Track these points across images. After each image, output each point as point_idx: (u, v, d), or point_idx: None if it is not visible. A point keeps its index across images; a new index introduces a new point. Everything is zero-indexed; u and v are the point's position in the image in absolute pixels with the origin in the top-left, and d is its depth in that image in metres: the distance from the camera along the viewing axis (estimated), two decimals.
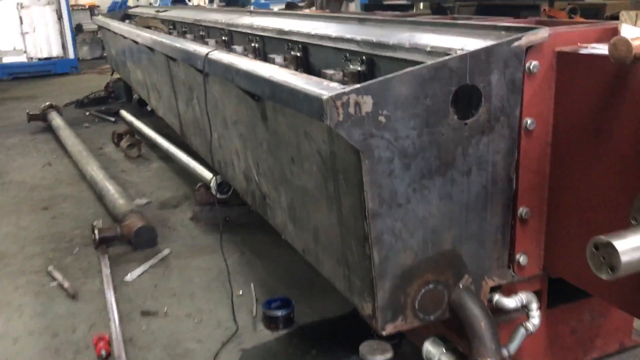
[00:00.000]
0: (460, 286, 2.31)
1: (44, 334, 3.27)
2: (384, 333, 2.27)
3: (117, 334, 3.13)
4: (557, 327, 2.68)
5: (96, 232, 4.20)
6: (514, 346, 2.34)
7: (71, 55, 13.97)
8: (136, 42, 6.02)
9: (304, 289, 3.61)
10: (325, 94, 1.92)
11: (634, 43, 1.91)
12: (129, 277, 3.86)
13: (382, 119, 1.99)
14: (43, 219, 4.94)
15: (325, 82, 2.23)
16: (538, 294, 2.55)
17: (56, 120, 7.85)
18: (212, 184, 4.50)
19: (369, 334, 2.96)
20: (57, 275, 3.88)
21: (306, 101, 2.09)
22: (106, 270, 3.86)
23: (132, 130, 7.26)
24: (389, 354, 2.90)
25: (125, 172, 6.13)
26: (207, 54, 3.34)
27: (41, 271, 4.00)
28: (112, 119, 8.58)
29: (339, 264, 2.51)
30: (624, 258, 1.55)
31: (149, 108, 8.56)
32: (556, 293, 2.62)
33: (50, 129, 7.96)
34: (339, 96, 1.90)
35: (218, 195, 4.48)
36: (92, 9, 18.03)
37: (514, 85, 2.17)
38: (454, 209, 2.21)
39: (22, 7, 13.36)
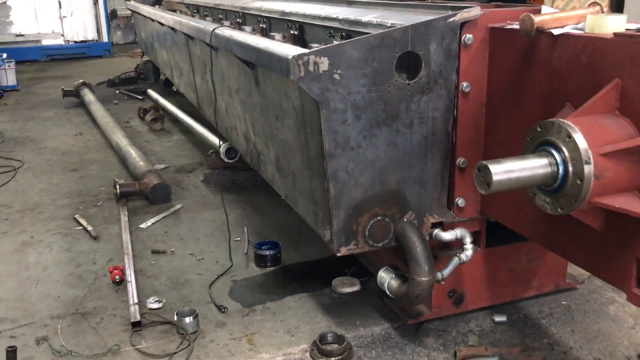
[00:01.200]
0: (404, 220, 2.80)
1: (69, 265, 3.86)
2: (338, 254, 2.78)
3: (129, 265, 3.70)
4: (495, 265, 3.14)
5: (118, 187, 4.79)
6: (447, 271, 2.82)
7: (105, 39, 14.70)
8: (162, 24, 6.61)
9: (293, 238, 4.13)
10: (290, 55, 2.44)
11: (537, 19, 2.38)
12: (144, 225, 4.43)
13: (336, 76, 2.49)
14: (72, 178, 5.55)
15: (295, 48, 2.73)
16: (477, 234, 3.03)
17: (88, 96, 8.51)
18: (222, 150, 5.03)
19: (342, 273, 3.48)
20: (82, 221, 4.48)
21: (278, 62, 2.61)
22: (124, 218, 4.44)
23: (157, 106, 7.85)
24: (356, 287, 3.39)
25: (148, 142, 6.72)
26: (213, 30, 3.87)
27: (69, 218, 4.61)
28: (140, 97, 9.21)
29: (309, 202, 3.02)
30: (496, 177, 2.03)
31: (174, 88, 9.15)
32: (496, 236, 3.09)
33: (82, 105, 8.62)
34: (300, 56, 2.42)
35: (226, 160, 5.02)
36: None
37: (450, 54, 2.65)
38: (399, 154, 2.71)
39: None
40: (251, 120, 3.84)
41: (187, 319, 3.05)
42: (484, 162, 2.06)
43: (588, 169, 1.96)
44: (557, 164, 2.05)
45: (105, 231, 4.35)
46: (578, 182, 1.99)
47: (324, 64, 2.46)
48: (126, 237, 4.12)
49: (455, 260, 2.84)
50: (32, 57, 13.79)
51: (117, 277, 3.58)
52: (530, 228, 2.63)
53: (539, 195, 2.19)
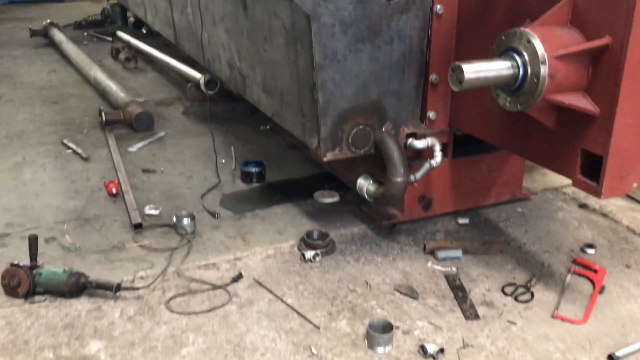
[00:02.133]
0: (383, 129, 3.15)
1: (65, 181, 4.11)
2: (325, 159, 3.12)
3: (124, 179, 3.97)
4: (460, 175, 3.54)
5: (103, 114, 5.00)
6: (419, 174, 3.20)
7: None
8: None
9: (275, 162, 4.45)
10: None
11: None
12: (131, 149, 4.68)
13: None
14: (54, 110, 5.71)
15: None
16: (445, 145, 3.41)
17: (58, 35, 8.50)
18: (202, 81, 5.27)
19: (322, 188, 3.83)
20: (71, 145, 4.69)
21: None
22: (112, 142, 4.68)
23: (129, 46, 7.93)
24: (336, 198, 3.76)
25: (124, 79, 6.84)
26: None
27: (57, 143, 4.81)
28: (109, 38, 9.21)
29: (297, 115, 3.34)
30: (467, 76, 2.39)
31: (144, 30, 9.21)
32: (460, 150, 3.48)
33: (51, 45, 8.60)
34: None
35: (206, 91, 5.27)
36: None
37: None
38: (380, 69, 3.04)
39: None
40: (237, 47, 4.09)
41: (186, 220, 3.37)
42: (458, 63, 2.41)
43: (544, 69, 2.34)
44: (518, 66, 2.42)
45: (94, 154, 4.58)
46: (535, 80, 2.37)
47: None
48: (117, 157, 4.37)
49: (426, 165, 3.22)
50: None
51: (114, 189, 3.84)
52: (492, 134, 3.02)
53: (501, 95, 2.57)
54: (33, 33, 8.94)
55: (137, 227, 3.41)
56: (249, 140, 4.92)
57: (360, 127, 3.12)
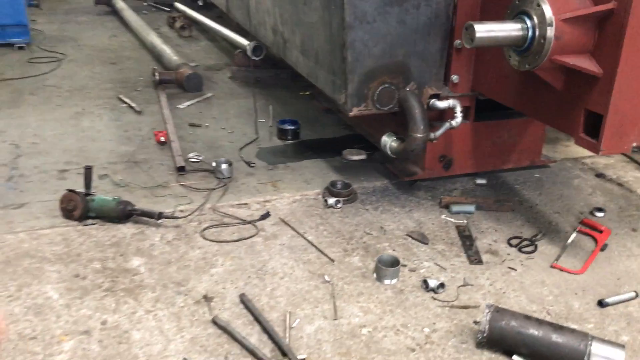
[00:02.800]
0: (407, 89, 3.40)
1: (119, 129, 4.51)
2: (351, 114, 3.39)
3: (171, 130, 4.34)
4: (480, 138, 3.75)
5: (156, 74, 5.39)
6: (439, 132, 3.42)
7: None
8: None
9: (311, 123, 4.74)
10: None
11: None
12: (181, 106, 5.05)
13: None
14: (112, 69, 6.15)
15: None
16: (467, 109, 3.62)
17: (119, 3, 8.99)
18: (249, 48, 5.59)
19: (352, 147, 4.10)
20: (127, 99, 5.10)
21: None
22: (163, 98, 5.06)
23: (185, 16, 8.34)
24: (363, 156, 4.03)
25: (178, 46, 7.25)
26: None
27: (113, 98, 5.23)
28: (167, 9, 9.66)
29: (329, 73, 3.61)
30: (478, 34, 2.61)
31: (200, 2, 9.60)
32: (482, 115, 3.69)
33: (114, 13, 9.10)
34: None
35: (252, 57, 5.59)
36: None
37: None
38: (406, 31, 3.27)
39: None
40: (280, 11, 4.39)
41: (224, 165, 3.71)
42: (471, 22, 2.64)
43: (550, 31, 2.54)
44: (527, 28, 2.63)
45: (146, 109, 4.97)
46: (542, 41, 2.57)
47: None
48: (167, 111, 4.75)
49: (447, 124, 3.44)
50: None
51: (162, 138, 4.22)
52: (509, 97, 3.23)
53: (512, 56, 2.78)
54: (97, 1, 9.46)
55: (181, 170, 3.77)
56: (288, 103, 5.22)
57: (386, 85, 3.37)
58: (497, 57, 3.21)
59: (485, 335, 2.39)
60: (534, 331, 2.36)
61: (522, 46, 2.67)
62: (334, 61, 3.48)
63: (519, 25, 2.64)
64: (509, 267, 2.96)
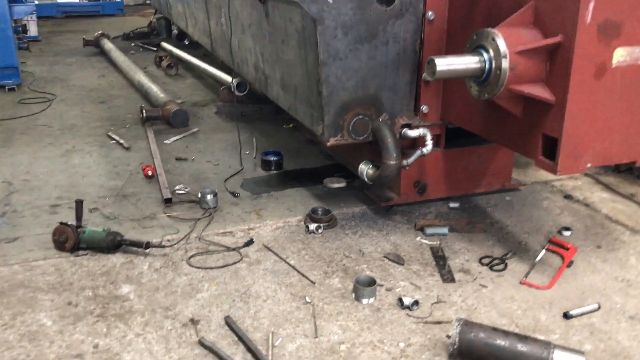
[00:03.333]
0: (380, 119, 3.61)
1: (108, 165, 4.69)
2: (328, 144, 3.59)
3: (159, 164, 4.52)
4: (452, 163, 3.95)
5: (144, 111, 5.59)
6: (411, 159, 3.62)
7: None
8: None
9: (293, 154, 4.95)
10: None
11: None
12: (167, 141, 5.25)
13: (330, 0, 3.27)
14: (101, 108, 6.36)
15: None
16: (438, 137, 3.84)
17: (108, 44, 9.27)
18: (233, 84, 5.82)
19: (333, 176, 4.29)
20: (115, 136, 5.29)
21: None
22: (151, 134, 5.26)
23: (172, 55, 8.61)
24: (343, 184, 4.23)
25: (165, 84, 7.49)
26: None
27: (103, 135, 5.42)
28: (154, 48, 9.95)
29: (307, 106, 3.83)
30: (439, 68, 2.84)
31: (186, 42, 9.92)
32: (453, 143, 3.90)
33: (102, 53, 9.37)
34: None
35: (237, 93, 5.82)
36: None
37: None
38: (377, 66, 3.50)
39: None
40: (260, 50, 4.63)
41: (209, 196, 3.88)
42: (432, 57, 2.87)
43: (505, 62, 2.77)
44: (484, 61, 2.86)
45: (135, 145, 5.16)
46: (498, 72, 2.80)
47: None
48: (154, 147, 4.94)
49: (418, 152, 3.64)
50: (47, 13, 14.46)
51: (150, 172, 4.40)
52: (475, 124, 3.45)
53: (473, 86, 3.01)
54: (86, 43, 9.75)
55: (167, 201, 3.94)
56: (272, 135, 5.43)
57: (360, 116, 3.58)
58: (462, 88, 3.43)
59: (455, 347, 2.55)
60: (501, 342, 2.52)
61: (480, 77, 2.90)
62: (312, 95, 3.70)
63: (476, 58, 2.87)
64: (480, 285, 3.13)
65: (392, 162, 3.49)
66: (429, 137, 3.64)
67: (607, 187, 4.34)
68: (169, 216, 3.79)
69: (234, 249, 3.41)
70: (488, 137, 3.40)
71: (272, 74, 4.48)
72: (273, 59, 4.37)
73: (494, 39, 2.80)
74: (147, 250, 3.33)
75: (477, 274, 3.23)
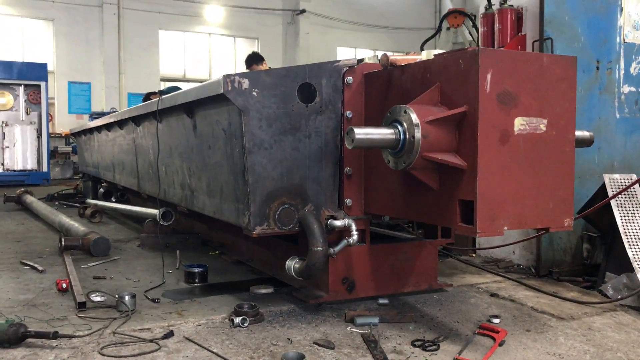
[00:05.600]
0: (305, 209, 3.67)
1: (19, 284, 4.38)
2: (254, 234, 3.57)
3: (74, 277, 4.28)
4: (378, 260, 3.97)
5: (62, 240, 5.39)
6: (338, 248, 3.62)
7: (44, 169, 15.39)
8: (109, 126, 7.58)
9: (220, 273, 4.81)
10: (222, 77, 3.44)
11: (391, 58, 3.52)
12: (85, 266, 5.01)
13: (254, 93, 3.49)
14: (17, 245, 6.07)
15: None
16: (363, 232, 3.90)
17: (30, 198, 9.10)
18: (158, 214, 5.78)
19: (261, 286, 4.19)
20: (29, 262, 5.02)
21: (216, 84, 3.58)
22: (69, 259, 5.02)
23: (96, 206, 8.53)
24: (270, 290, 4.13)
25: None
26: (159, 98, 4.87)
27: (16, 263, 5.12)
28: (78, 205, 9.82)
29: (232, 202, 3.85)
30: (357, 136, 3.00)
31: (112, 199, 9.90)
32: (378, 238, 3.97)
33: (24, 210, 9.15)
34: (228, 76, 3.43)
35: (162, 222, 5.76)
36: (67, 138, 19.81)
37: (336, 89, 3.72)
38: (300, 157, 3.65)
39: (5, 125, 14.99)
40: (187, 165, 4.72)
41: (127, 297, 3.66)
42: (351, 127, 3.04)
43: (417, 131, 2.98)
44: (399, 132, 3.06)
45: (50, 269, 4.89)
46: (412, 139, 2.99)
47: (246, 83, 3.47)
48: (71, 268, 4.70)
49: (344, 241, 3.66)
50: None
51: (64, 284, 4.14)
52: (395, 208, 3.56)
53: (391, 159, 3.17)
54: (7, 199, 9.54)
55: (81, 305, 3.67)
56: (197, 260, 5.29)
57: (286, 205, 3.62)
58: (382, 179, 3.61)
59: None
60: None
61: (396, 148, 3.07)
62: (237, 188, 3.75)
63: (392, 130, 3.07)
64: None
65: (319, 249, 3.48)
66: (354, 227, 3.70)
67: (531, 287, 4.42)
68: (81, 317, 3.51)
69: (151, 341, 3.15)
70: (409, 217, 3.50)
71: (199, 185, 4.53)
72: (200, 169, 4.45)
73: (406, 112, 3.04)
74: (55, 344, 3.03)
75: (410, 354, 3.10)
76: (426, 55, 3.39)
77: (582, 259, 4.89)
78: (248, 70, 7.59)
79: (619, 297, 4.06)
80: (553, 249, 4.85)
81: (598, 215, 4.57)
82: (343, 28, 22.29)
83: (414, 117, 3.00)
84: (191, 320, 3.52)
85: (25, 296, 4.05)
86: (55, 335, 3.01)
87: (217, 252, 5.55)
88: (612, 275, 4.34)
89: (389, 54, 3.51)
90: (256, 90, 3.49)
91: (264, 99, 3.52)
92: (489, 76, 2.91)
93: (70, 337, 3.08)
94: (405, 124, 3.04)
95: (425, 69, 3.27)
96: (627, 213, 4.34)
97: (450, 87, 3.09)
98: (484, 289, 4.35)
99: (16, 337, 3.01)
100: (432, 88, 3.15)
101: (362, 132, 3.04)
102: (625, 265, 4.23)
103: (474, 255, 5.52)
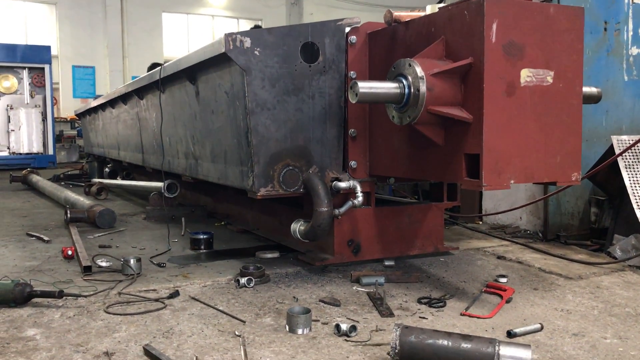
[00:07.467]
0: (310, 171, 3.63)
1: (24, 253, 4.39)
2: (258, 195, 3.55)
3: (80, 245, 4.27)
4: (384, 223, 3.95)
5: (68, 212, 5.39)
6: (343, 209, 3.60)
7: (50, 152, 15.41)
8: (113, 101, 7.55)
9: (225, 240, 4.80)
10: (223, 36, 3.40)
11: (395, 13, 3.46)
12: (91, 236, 5.01)
13: (257, 52, 3.45)
14: (23, 220, 6.08)
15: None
16: (368, 194, 3.87)
17: (35, 177, 9.11)
18: (163, 187, 5.77)
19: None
20: (35, 233, 5.02)
21: (217, 44, 3.54)
22: (74, 230, 5.02)
23: (101, 182, 8.53)
24: (276, 254, 4.12)
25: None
26: (161, 67, 4.83)
27: (22, 235, 5.13)
28: (83, 184, 9.83)
29: (237, 166, 3.82)
30: (361, 90, 2.96)
31: (118, 178, 9.90)
32: (383, 204, 3.94)
33: (30, 189, 9.17)
34: (230, 34, 3.38)
35: (167, 195, 5.75)
36: (72, 122, 19.82)
37: (340, 49, 3.67)
38: (304, 118, 3.61)
39: (10, 108, 15.00)
40: (191, 133, 4.69)
41: (132, 260, 3.66)
42: (355, 80, 3.00)
43: (422, 84, 2.93)
44: (404, 86, 3.02)
45: (56, 239, 4.90)
46: (416, 93, 2.94)
47: (248, 42, 3.43)
48: (76, 237, 4.69)
49: (349, 203, 3.63)
50: None
51: (70, 252, 4.13)
52: (400, 168, 3.52)
53: (396, 114, 3.13)
54: (13, 179, 9.55)
55: (87, 269, 3.67)
56: (202, 229, 5.28)
57: (290, 167, 3.60)
58: (387, 140, 3.57)
59: (397, 351, 2.36)
60: (444, 341, 2.36)
61: (401, 102, 3.03)
62: (241, 151, 3.72)
63: (396, 84, 3.03)
64: (420, 317, 2.98)
65: (324, 209, 3.46)
66: (359, 189, 3.66)
67: (538, 250, 4.39)
68: (87, 279, 3.51)
69: (157, 300, 3.15)
70: (415, 176, 3.46)
71: (203, 152, 4.50)
72: (203, 135, 4.42)
73: (410, 65, 2.99)
74: (61, 303, 3.03)
75: (416, 310, 3.08)
76: (430, 9, 3.33)
77: (589, 223, 4.85)
78: None
79: (627, 257, 4.03)
80: (560, 213, 4.81)
81: (606, 178, 4.52)
82: (347, 8, 22.13)
83: (419, 70, 2.95)
84: (197, 282, 3.52)
85: (31, 263, 4.05)
86: (61, 295, 3.00)
87: (223, 222, 5.54)
88: (621, 237, 4.30)
89: (392, 10, 3.46)
90: (258, 49, 3.45)
91: (267, 58, 3.47)
92: (494, 27, 2.86)
93: (77, 296, 3.08)
94: (410, 78, 3.00)
95: (429, 23, 3.21)
96: (636, 173, 4.29)
97: (455, 39, 3.04)
98: (490, 252, 4.32)
99: (22, 296, 3.01)
100: (437, 41, 3.10)
101: (366, 86, 3.00)
102: (633, 227, 4.19)
103: (480, 222, 5.50)
